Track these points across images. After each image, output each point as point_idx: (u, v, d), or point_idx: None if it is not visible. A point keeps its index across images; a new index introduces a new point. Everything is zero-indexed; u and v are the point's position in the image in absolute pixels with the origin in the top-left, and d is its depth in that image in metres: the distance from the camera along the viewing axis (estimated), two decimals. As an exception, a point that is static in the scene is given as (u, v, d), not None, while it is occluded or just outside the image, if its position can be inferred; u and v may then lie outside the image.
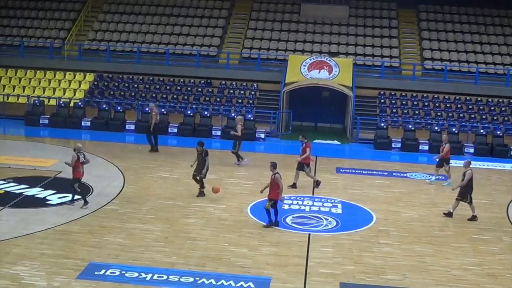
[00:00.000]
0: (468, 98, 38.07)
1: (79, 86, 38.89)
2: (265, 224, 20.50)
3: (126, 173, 26.00)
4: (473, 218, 22.24)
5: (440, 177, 27.21)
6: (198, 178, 23.28)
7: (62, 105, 36.05)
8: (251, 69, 39.50)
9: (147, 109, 35.37)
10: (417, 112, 37.24)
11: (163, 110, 35.50)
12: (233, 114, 35.18)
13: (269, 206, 20.39)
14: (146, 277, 16.17)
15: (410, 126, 34.76)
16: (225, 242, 18.95)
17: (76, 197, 21.74)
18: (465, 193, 22.25)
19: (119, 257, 17.35)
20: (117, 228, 19.66)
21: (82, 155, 21.85)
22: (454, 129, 34.34)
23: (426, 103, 37.86)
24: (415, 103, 37.96)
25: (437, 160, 27.04)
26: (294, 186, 25.09)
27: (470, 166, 22.65)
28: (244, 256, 17.93)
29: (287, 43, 41.66)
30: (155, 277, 16.20)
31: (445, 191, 25.71)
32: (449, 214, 22.38)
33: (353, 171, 28.64)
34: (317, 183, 25.30)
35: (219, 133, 34.25)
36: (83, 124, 34.80)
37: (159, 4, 44.76)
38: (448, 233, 20.79)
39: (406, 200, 24.41)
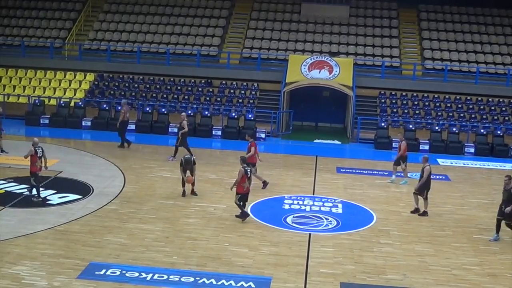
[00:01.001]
0: (468, 98, 38.09)
1: (80, 86, 38.92)
2: (238, 215, 20.96)
3: (126, 172, 26.00)
4: (424, 213, 22.35)
5: (399, 175, 27.09)
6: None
7: (63, 105, 36.08)
8: (251, 69, 39.51)
9: (147, 108, 35.47)
10: (417, 112, 37.25)
11: (163, 110, 35.53)
12: (233, 114, 35.21)
13: (237, 201, 20.80)
14: (147, 277, 16.17)
15: (410, 126, 34.78)
16: (226, 242, 18.95)
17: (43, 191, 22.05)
18: (423, 188, 22.29)
19: (120, 257, 17.35)
20: (117, 228, 19.66)
21: (40, 149, 22.07)
22: (454, 129, 34.35)
23: (426, 103, 37.88)
24: (416, 103, 37.97)
25: (395, 158, 27.13)
26: (265, 184, 24.71)
27: (428, 162, 22.66)
28: (245, 256, 17.93)
29: (288, 43, 41.67)
30: (155, 277, 16.20)
31: (444, 191, 25.72)
32: (416, 210, 22.47)
33: (354, 170, 28.64)
34: (264, 184, 24.73)
35: (219, 133, 34.28)
36: (83, 124, 34.82)
37: (159, 4, 44.77)
38: (449, 232, 20.79)
39: (406, 199, 24.38)
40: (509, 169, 30.80)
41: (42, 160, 22.17)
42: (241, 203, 20.82)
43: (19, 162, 25.87)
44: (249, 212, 21.71)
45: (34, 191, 22.06)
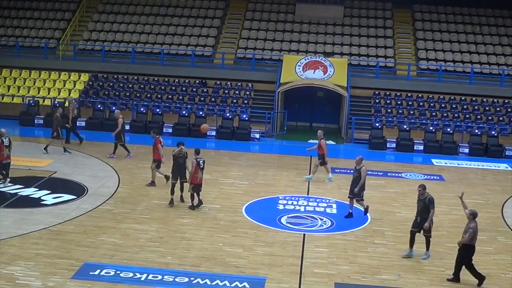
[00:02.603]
0: (463, 98, 38.13)
1: (74, 86, 38.86)
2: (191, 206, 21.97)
3: (120, 173, 25.98)
4: (350, 215, 22.00)
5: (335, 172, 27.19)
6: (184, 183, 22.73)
7: (57, 105, 35.98)
8: (246, 69, 39.50)
9: (141, 109, 35.46)
10: (412, 112, 37.29)
11: (158, 110, 35.52)
12: (228, 115, 35.20)
13: (191, 190, 21.81)
14: (141, 277, 16.17)
15: (405, 126, 34.80)
16: (220, 242, 18.96)
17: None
18: (359, 190, 21.65)
19: (114, 257, 17.35)
20: (112, 228, 19.66)
21: (7, 139, 23.37)
22: (449, 129, 34.38)
23: (421, 103, 37.92)
24: (410, 103, 38.00)
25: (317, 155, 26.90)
26: (152, 184, 24.62)
27: (363, 162, 22.02)
28: (239, 256, 17.95)
29: (282, 43, 41.67)
30: (150, 277, 16.20)
31: (438, 191, 25.75)
32: (350, 215, 21.97)
33: (348, 171, 28.51)
34: (151, 183, 24.59)
35: (214, 133, 34.25)
36: (78, 124, 34.61)
37: (154, 4, 44.72)
38: (443, 233, 20.80)
39: (401, 200, 24.44)
40: (503, 169, 30.90)
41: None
42: (194, 193, 21.81)
43: (13, 162, 25.83)
44: (243, 212, 21.82)
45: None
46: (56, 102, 36.15)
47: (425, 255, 18.61)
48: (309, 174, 26.83)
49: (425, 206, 18.38)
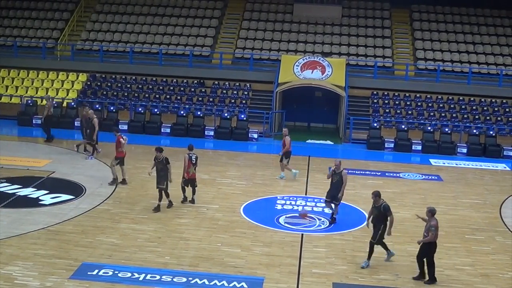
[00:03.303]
0: (461, 98, 38.13)
1: (72, 86, 38.83)
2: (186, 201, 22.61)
3: (119, 173, 25.93)
4: (332, 219, 21.62)
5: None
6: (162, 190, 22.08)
7: (55, 105, 35.94)
8: (244, 69, 39.49)
9: (140, 109, 35.45)
10: (410, 112, 37.29)
11: (156, 110, 35.51)
12: (226, 114, 35.19)
13: (182, 184, 22.46)
14: (139, 277, 16.17)
15: (403, 126, 34.81)
16: (218, 242, 18.96)
17: None
18: (336, 194, 21.23)
19: (112, 257, 17.35)
20: (110, 228, 19.66)
21: None
22: (447, 129, 34.41)
23: (419, 103, 37.92)
24: (408, 103, 38.01)
25: (281, 154, 26.72)
26: (123, 182, 24.66)
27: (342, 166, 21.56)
28: (237, 256, 17.95)
29: (280, 43, 41.66)
30: (148, 277, 16.21)
31: (436, 191, 25.77)
32: (333, 220, 21.68)
33: (346, 171, 28.58)
34: (113, 181, 24.58)
35: (212, 133, 34.25)
36: (76, 124, 34.67)
37: (152, 4, 44.71)
38: (441, 233, 20.67)
39: (399, 200, 24.43)
40: (501, 169, 30.91)
41: None
42: (185, 187, 22.46)
43: (11, 162, 25.91)
44: (241, 212, 21.85)
45: None
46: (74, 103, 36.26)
47: (365, 263, 17.97)
48: (293, 170, 26.66)
49: (380, 214, 17.89)
